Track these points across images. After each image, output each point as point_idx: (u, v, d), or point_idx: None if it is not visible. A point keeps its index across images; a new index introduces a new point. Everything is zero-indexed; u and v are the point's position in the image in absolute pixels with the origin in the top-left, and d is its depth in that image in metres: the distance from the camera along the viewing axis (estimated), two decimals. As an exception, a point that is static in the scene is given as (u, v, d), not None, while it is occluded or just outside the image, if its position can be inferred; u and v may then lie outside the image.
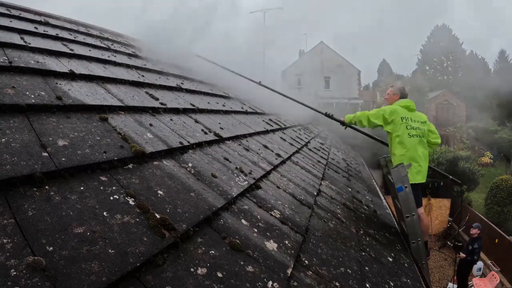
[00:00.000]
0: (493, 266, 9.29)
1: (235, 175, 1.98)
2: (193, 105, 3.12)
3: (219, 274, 1.06)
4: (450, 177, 3.47)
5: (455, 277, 7.98)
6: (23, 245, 0.79)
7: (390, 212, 3.78)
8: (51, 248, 0.82)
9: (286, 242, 1.50)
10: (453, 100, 27.24)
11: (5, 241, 0.78)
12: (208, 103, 3.67)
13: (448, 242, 11.54)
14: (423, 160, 2.79)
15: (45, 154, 1.17)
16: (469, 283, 8.21)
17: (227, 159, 2.19)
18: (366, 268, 1.76)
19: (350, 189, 3.66)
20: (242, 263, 1.18)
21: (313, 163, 3.86)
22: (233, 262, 1.15)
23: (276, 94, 4.67)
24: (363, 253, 1.95)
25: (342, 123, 3.35)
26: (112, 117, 1.85)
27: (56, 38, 3.21)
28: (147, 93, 2.74)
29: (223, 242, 1.25)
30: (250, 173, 2.15)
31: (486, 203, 12.43)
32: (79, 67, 2.47)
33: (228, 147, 2.51)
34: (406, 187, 2.55)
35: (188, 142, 2.06)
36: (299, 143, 4.60)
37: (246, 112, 4.43)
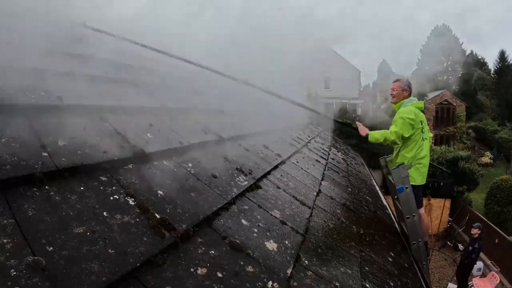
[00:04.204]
0: (493, 266, 9.29)
1: (235, 175, 1.98)
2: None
3: (219, 274, 1.06)
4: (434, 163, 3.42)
5: (455, 277, 7.98)
6: (23, 245, 0.79)
7: (390, 212, 3.78)
8: (51, 248, 0.82)
9: (286, 242, 1.50)
10: (453, 100, 27.21)
11: (5, 241, 0.78)
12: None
13: (448, 242, 11.55)
14: (428, 161, 2.76)
15: (45, 154, 1.17)
16: (469, 283, 8.20)
17: (227, 159, 2.18)
18: (366, 268, 1.76)
19: (350, 189, 3.66)
20: (242, 263, 1.17)
21: (313, 163, 3.85)
22: (233, 262, 1.15)
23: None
24: (363, 253, 1.94)
25: (364, 136, 2.78)
26: (112, 117, 1.85)
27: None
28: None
29: (223, 242, 1.25)
30: (250, 173, 2.14)
31: (486, 203, 12.42)
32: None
33: (228, 147, 2.50)
34: (406, 187, 2.55)
35: (188, 142, 2.06)
36: (299, 143, 4.60)
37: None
